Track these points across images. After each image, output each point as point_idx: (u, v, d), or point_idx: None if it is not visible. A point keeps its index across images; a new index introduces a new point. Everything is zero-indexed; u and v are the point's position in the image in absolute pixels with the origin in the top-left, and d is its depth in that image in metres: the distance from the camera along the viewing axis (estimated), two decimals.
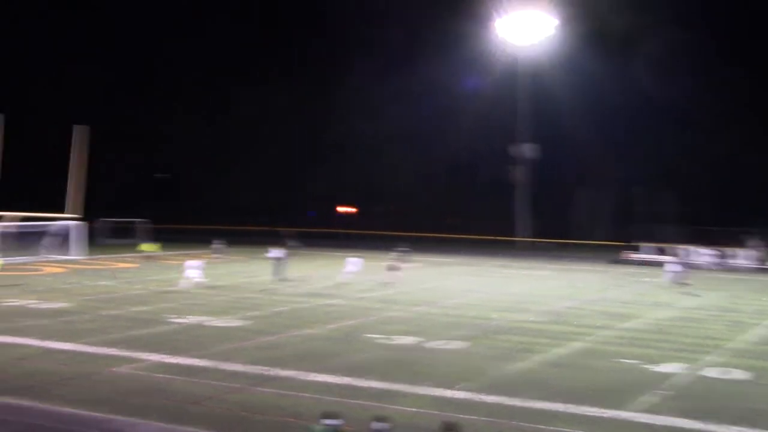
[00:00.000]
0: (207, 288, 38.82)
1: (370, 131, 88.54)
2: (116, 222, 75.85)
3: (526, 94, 77.39)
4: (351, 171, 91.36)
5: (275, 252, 45.29)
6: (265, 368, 20.76)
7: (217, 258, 56.80)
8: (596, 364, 22.23)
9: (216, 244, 60.59)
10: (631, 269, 57.18)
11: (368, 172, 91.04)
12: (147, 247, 50.96)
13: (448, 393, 18.51)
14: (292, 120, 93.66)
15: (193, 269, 39.89)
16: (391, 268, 43.11)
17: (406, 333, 26.57)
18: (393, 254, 49.42)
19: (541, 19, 72.55)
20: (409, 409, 17.14)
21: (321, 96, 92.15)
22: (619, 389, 19.29)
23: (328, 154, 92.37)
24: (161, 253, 59.14)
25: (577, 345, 25.15)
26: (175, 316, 29.60)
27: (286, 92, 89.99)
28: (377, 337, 25.63)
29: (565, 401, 17.76)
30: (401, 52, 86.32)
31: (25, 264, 50.51)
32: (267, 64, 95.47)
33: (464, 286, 43.06)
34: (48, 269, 47.81)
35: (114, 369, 20.51)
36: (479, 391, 18.69)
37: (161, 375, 19.94)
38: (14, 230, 53.90)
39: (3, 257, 50.96)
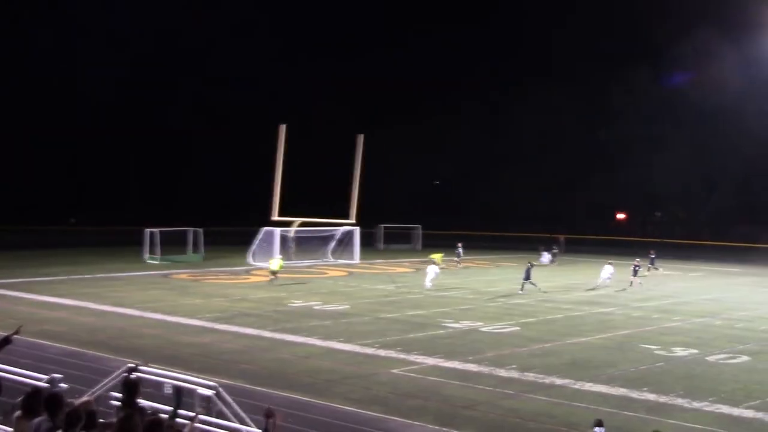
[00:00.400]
0: (479, 294, 39.14)
1: (648, 134, 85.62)
2: (394, 228, 78.05)
3: None
4: (630, 175, 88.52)
5: (544, 257, 45.22)
6: (539, 375, 20.59)
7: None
8: None
9: (459, 249, 60.42)
10: None
11: (648, 176, 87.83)
12: (436, 256, 51.98)
13: (735, 411, 17.48)
14: (564, 123, 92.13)
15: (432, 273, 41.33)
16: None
17: (686, 345, 25.41)
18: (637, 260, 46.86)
19: None
20: (688, 425, 16.37)
21: (598, 98, 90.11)
22: None
23: (607, 158, 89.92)
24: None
25: None
26: (450, 320, 30.03)
27: (563, 95, 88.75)
28: (654, 348, 24.69)
29: None
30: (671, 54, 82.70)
31: (309, 267, 53.26)
32: (539, 62, 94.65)
33: (751, 297, 40.50)
34: (330, 272, 50.10)
35: (391, 370, 21.12)
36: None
37: (436, 378, 20.29)
38: (298, 234, 57.00)
39: (287, 259, 54.13)
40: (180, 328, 27.35)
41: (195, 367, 20.34)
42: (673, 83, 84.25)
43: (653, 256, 52.60)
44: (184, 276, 45.77)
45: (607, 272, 42.87)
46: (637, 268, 44.26)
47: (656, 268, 51.10)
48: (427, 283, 41.21)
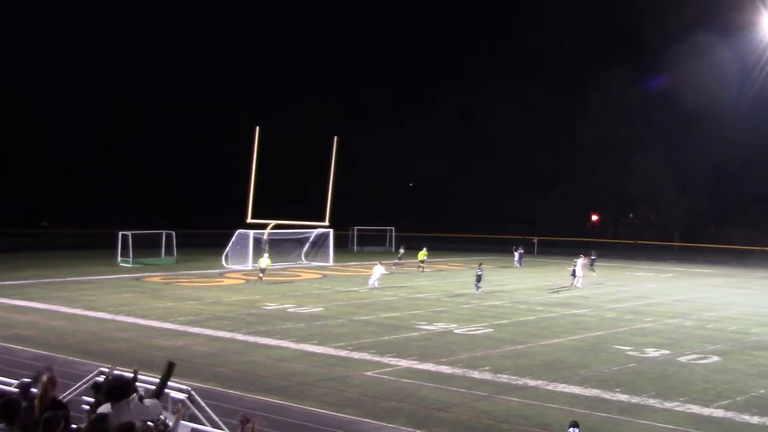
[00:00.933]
0: (453, 296, 39.24)
1: (623, 136, 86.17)
2: (368, 230, 78.06)
3: None
4: (602, 177, 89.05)
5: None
6: (513, 377, 20.66)
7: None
8: None
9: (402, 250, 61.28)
10: None
11: (621, 178, 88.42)
12: (422, 255, 52.54)
13: (705, 411, 17.62)
14: (540, 124, 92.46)
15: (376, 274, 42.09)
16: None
17: (658, 345, 25.59)
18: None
19: None
20: (661, 425, 16.48)
21: (572, 100, 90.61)
22: None
23: (581, 160, 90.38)
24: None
25: None
26: (424, 322, 30.06)
27: (539, 96, 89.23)
28: (627, 349, 24.85)
29: None
30: (654, 55, 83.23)
31: (283, 269, 53.14)
32: (514, 63, 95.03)
33: (724, 298, 40.81)
34: (304, 275, 50.03)
35: (365, 373, 21.12)
36: (740, 410, 17.66)
37: (410, 380, 20.31)
38: (275, 237, 56.89)
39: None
40: (152, 332, 27.19)
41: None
42: (650, 86, 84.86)
43: (593, 258, 53.45)
44: (156, 279, 45.52)
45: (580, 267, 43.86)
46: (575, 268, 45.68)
47: (592, 270, 51.70)
48: (373, 283, 41.93)
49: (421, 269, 53.40)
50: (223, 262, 53.84)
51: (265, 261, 45.86)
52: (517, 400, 18.46)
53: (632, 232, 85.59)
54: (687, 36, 75.74)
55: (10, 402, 9.21)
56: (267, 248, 55.61)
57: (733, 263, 65.82)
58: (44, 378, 9.79)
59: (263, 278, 44.46)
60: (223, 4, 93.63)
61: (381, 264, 44.02)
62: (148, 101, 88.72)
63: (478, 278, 40.77)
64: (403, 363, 22.34)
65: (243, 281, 45.45)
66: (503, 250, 65.43)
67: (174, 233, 57.28)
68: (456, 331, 28.26)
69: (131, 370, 12.08)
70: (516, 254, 59.67)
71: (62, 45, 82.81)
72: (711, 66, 76.47)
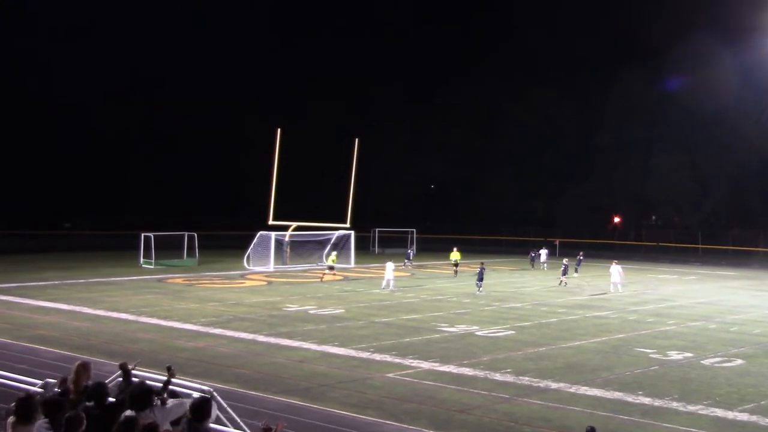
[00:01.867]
0: (475, 298, 39.18)
1: (644, 138, 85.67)
2: (389, 232, 78.08)
3: None
4: (623, 179, 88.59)
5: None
6: (534, 379, 20.60)
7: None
8: None
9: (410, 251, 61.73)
10: None
11: (642, 180, 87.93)
12: (456, 255, 52.24)
13: (729, 414, 17.50)
14: (560, 126, 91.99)
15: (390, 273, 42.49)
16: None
17: (681, 348, 25.44)
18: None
19: None
20: (684, 428, 16.38)
21: (591, 101, 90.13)
22: None
23: (603, 162, 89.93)
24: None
25: None
26: (446, 324, 30.03)
27: (559, 98, 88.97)
28: (650, 352, 24.72)
29: None
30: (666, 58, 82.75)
31: (305, 271, 53.21)
32: (533, 63, 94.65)
33: (745, 301, 40.52)
34: (326, 277, 50.05)
35: (386, 374, 21.11)
36: (764, 414, 17.54)
37: (431, 382, 20.29)
38: (296, 239, 57.04)
39: (281, 264, 54.29)
40: (175, 333, 27.30)
41: (190, 372, 20.30)
42: (670, 87, 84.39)
43: (581, 258, 54.24)
44: (179, 280, 45.71)
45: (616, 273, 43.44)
46: (565, 267, 46.90)
47: (576, 271, 52.29)
48: (388, 282, 42.21)
49: (455, 272, 51.59)
50: (245, 264, 54.02)
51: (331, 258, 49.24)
52: (538, 402, 18.40)
53: (655, 235, 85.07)
54: (707, 37, 75.29)
55: (51, 400, 9.39)
56: (288, 250, 55.88)
57: (756, 265, 65.31)
58: (76, 364, 9.98)
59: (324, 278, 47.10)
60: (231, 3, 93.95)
61: (392, 261, 44.26)
62: (167, 102, 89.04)
63: (480, 276, 41.45)
64: (425, 365, 22.32)
65: (265, 283, 45.57)
66: (523, 252, 65.16)
67: (196, 235, 57.53)
68: (477, 333, 28.21)
69: (163, 371, 12.10)
70: (542, 254, 59.04)
71: (67, 46, 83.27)
72: (731, 67, 75.95)
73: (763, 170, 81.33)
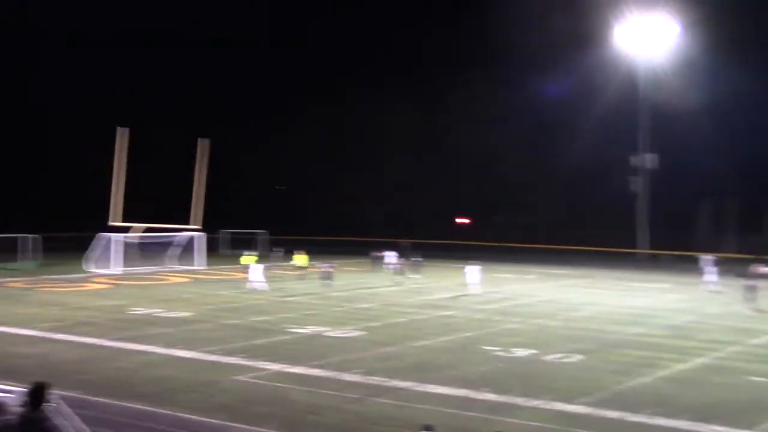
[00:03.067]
0: (325, 299, 39.34)
1: (489, 140, 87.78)
2: (236, 233, 77.41)
3: (648, 103, 75.51)
4: (468, 181, 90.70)
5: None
6: (384, 379, 20.87)
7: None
8: (724, 381, 21.47)
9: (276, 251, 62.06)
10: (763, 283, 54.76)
11: (485, 183, 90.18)
12: (298, 258, 51.70)
13: (569, 407, 18.22)
14: (410, 128, 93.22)
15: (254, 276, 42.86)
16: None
17: (524, 345, 26.29)
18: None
19: (663, 25, 70.68)
20: (527, 422, 16.95)
21: (438, 104, 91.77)
22: (750, 408, 18.58)
23: (446, 163, 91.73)
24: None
25: (701, 361, 24.38)
26: (296, 326, 30.03)
27: (403, 99, 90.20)
28: (494, 350, 25.45)
29: (692, 419, 17.20)
30: (517, 60, 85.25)
31: (151, 274, 52.15)
32: (383, 68, 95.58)
33: (582, 298, 42.19)
34: (172, 279, 49.23)
35: (235, 377, 20.97)
36: (600, 406, 18.34)
37: (281, 384, 20.27)
38: (140, 240, 55.81)
39: (129, 265, 52.99)
40: (13, 339, 26.28)
41: (30, 380, 19.54)
42: (549, 93, 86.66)
43: (419, 259, 55.23)
44: (18, 284, 43.98)
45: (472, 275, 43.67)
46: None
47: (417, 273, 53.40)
48: (261, 285, 42.28)
49: (299, 275, 50.78)
50: (84, 266, 52.40)
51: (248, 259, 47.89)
52: (387, 401, 18.66)
53: (497, 234, 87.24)
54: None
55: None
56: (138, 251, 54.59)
57: (589, 264, 67.84)
58: None
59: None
60: None
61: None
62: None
63: (328, 276, 42.66)
64: (275, 367, 22.27)
65: (110, 286, 44.38)
66: (367, 252, 65.67)
67: (38, 237, 55.45)
68: (328, 333, 28.34)
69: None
70: (386, 255, 58.46)
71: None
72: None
73: (598, 172, 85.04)
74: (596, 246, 74.36)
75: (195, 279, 49.57)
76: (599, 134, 78.70)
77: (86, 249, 54.44)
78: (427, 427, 11.17)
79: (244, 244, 75.27)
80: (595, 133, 78.79)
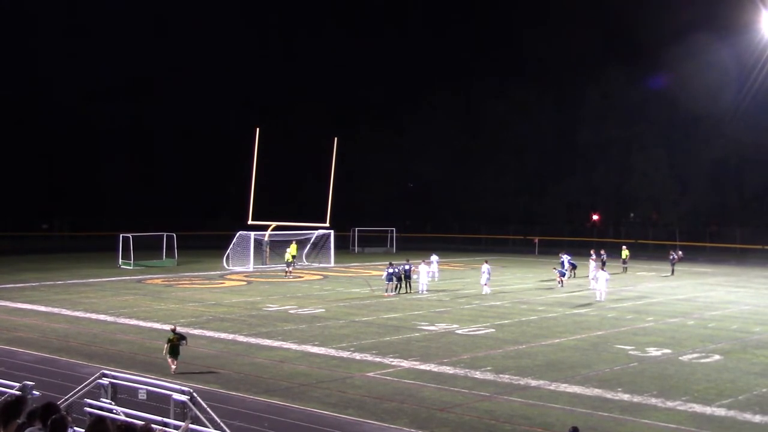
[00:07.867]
0: (455, 297, 39.23)
1: (623, 136, 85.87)
2: (369, 231, 77.96)
3: None
4: (601, 177, 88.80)
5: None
6: (514, 377, 20.66)
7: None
8: None
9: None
10: None
11: (620, 178, 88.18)
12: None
13: (708, 410, 17.62)
14: (540, 124, 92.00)
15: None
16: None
17: (660, 345, 25.58)
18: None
19: None
20: (663, 424, 16.48)
21: (571, 100, 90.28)
22: None
23: (577, 160, 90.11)
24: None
25: None
26: (426, 323, 30.06)
27: (539, 96, 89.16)
28: (628, 348, 24.85)
29: None
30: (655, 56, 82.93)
31: (282, 271, 53.08)
32: (509, 68, 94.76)
33: (725, 297, 40.72)
34: (306, 276, 50.01)
35: (366, 373, 21.12)
36: (741, 409, 17.66)
37: (411, 381, 20.31)
38: (275, 239, 56.93)
39: (261, 263, 54.17)
40: (154, 334, 27.18)
41: (169, 373, 20.31)
42: (651, 85, 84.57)
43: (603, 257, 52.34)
44: (158, 281, 45.54)
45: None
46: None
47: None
48: (423, 288, 41.13)
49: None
50: (224, 264, 53.86)
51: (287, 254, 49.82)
52: (519, 400, 18.46)
53: (634, 232, 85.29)
54: (687, 35, 75.65)
55: (50, 406, 9.06)
56: (268, 249, 55.74)
57: (733, 262, 65.74)
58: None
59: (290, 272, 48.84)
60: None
61: (425, 263, 43.95)
62: (142, 101, 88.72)
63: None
64: (405, 363, 22.34)
65: (244, 283, 45.46)
66: (503, 250, 65.27)
67: (175, 235, 57.29)
68: (458, 331, 28.26)
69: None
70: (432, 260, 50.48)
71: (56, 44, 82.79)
72: (710, 65, 76.31)
73: (741, 167, 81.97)
74: (743, 243, 71.89)
75: (326, 276, 50.22)
76: (747, 127, 75.54)
77: (221, 247, 55.90)
78: (575, 429, 11.00)
79: (375, 241, 76.00)
80: (744, 125, 75.77)
